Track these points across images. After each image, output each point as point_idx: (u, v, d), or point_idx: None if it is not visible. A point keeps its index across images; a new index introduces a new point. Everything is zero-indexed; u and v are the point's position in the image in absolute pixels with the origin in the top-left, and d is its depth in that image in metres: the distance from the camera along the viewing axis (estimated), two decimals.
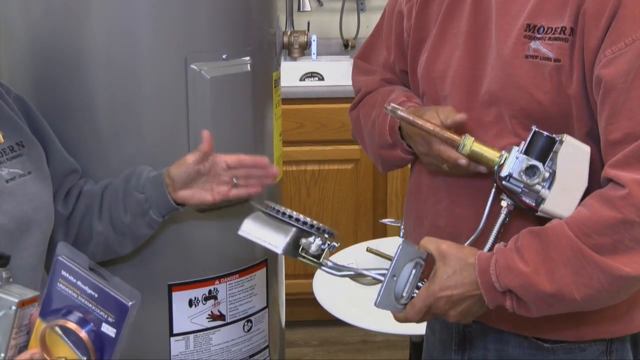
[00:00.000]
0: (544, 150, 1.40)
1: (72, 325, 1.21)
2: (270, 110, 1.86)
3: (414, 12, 1.60)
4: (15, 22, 1.71)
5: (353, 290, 2.34)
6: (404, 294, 1.43)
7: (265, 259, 1.84)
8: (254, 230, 1.43)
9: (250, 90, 1.74)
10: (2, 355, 1.22)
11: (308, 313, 3.31)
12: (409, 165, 1.68)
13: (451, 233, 1.53)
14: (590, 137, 1.42)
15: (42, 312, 1.23)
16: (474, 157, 1.44)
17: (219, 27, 1.71)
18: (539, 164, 1.40)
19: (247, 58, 1.74)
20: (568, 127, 1.43)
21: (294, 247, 1.40)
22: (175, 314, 1.73)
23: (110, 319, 1.20)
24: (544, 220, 1.41)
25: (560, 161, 1.40)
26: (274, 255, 1.85)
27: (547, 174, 1.40)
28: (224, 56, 1.70)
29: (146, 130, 1.68)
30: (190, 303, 1.74)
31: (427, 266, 1.45)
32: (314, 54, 3.94)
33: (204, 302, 1.75)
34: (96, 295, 1.21)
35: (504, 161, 1.42)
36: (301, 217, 1.40)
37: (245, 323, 1.81)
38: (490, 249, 1.44)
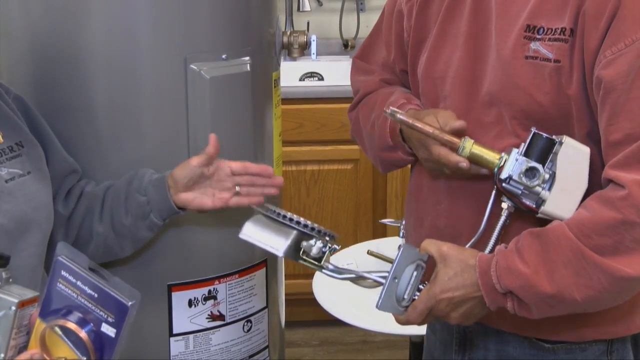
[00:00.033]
0: (543, 152, 1.40)
1: (71, 325, 1.21)
2: (269, 110, 1.86)
3: (414, 12, 1.60)
4: (15, 22, 1.71)
5: (353, 290, 2.34)
6: (406, 296, 1.43)
7: (264, 259, 1.84)
8: (254, 233, 1.43)
9: (249, 90, 1.74)
10: (2, 355, 1.22)
11: (308, 313, 3.31)
12: (409, 166, 1.68)
13: (451, 234, 1.53)
14: (591, 138, 1.42)
15: (42, 312, 1.23)
16: (473, 160, 1.44)
17: (219, 27, 1.71)
18: (539, 166, 1.40)
19: (247, 58, 1.73)
20: (568, 128, 1.43)
21: (294, 250, 1.41)
22: (174, 314, 1.73)
23: (110, 319, 1.20)
24: (544, 221, 1.41)
25: (560, 162, 1.40)
26: (274, 255, 1.84)
27: (547, 176, 1.40)
28: (223, 56, 1.70)
29: (146, 130, 1.68)
30: (190, 303, 1.73)
31: (428, 268, 1.44)
32: (313, 54, 3.94)
33: (204, 302, 1.75)
34: (96, 295, 1.21)
35: (504, 163, 1.42)
36: (302, 220, 1.40)
37: (245, 323, 1.81)
38: (491, 250, 1.44)
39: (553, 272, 1.35)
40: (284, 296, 2.00)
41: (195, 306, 1.74)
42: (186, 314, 1.73)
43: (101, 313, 1.20)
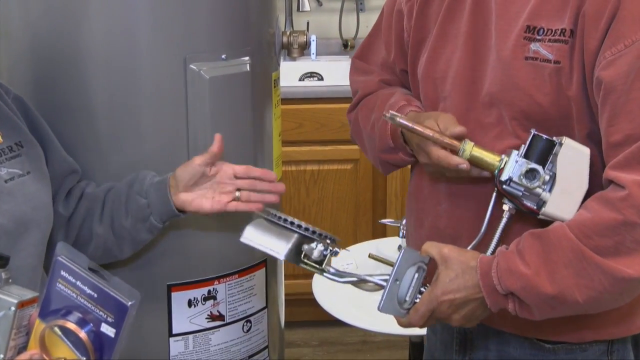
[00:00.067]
0: (543, 153, 1.40)
1: (71, 325, 1.21)
2: (269, 110, 1.86)
3: (414, 12, 1.60)
4: (14, 22, 1.71)
5: (352, 290, 2.33)
6: (407, 298, 1.43)
7: (264, 260, 1.84)
8: (255, 237, 1.43)
9: (249, 90, 1.74)
10: (2, 356, 1.22)
11: (307, 313, 3.31)
12: (409, 166, 1.68)
13: (451, 235, 1.53)
14: (591, 138, 1.42)
15: (42, 312, 1.23)
16: (473, 162, 1.44)
17: (218, 27, 1.70)
18: (539, 167, 1.40)
19: (247, 58, 1.73)
20: (568, 128, 1.43)
21: (296, 254, 1.41)
22: (174, 314, 1.72)
23: (109, 319, 1.20)
24: (545, 223, 1.41)
25: (560, 164, 1.40)
26: (275, 258, 1.84)
27: (547, 177, 1.40)
28: (223, 56, 1.70)
29: (145, 130, 1.68)
30: (190, 303, 1.73)
31: (430, 271, 1.44)
32: (313, 54, 3.94)
33: (203, 303, 1.74)
34: (95, 296, 1.20)
35: (504, 165, 1.42)
36: (303, 223, 1.40)
37: (245, 323, 1.81)
38: (493, 252, 1.44)
39: (554, 273, 1.35)
40: (283, 296, 2.00)
41: (194, 306, 1.74)
42: (186, 314, 1.73)
43: (101, 313, 1.20)
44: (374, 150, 1.66)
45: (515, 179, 1.41)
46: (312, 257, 1.41)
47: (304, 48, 1.96)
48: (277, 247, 1.40)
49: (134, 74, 1.66)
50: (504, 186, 1.42)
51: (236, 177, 1.59)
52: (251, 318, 1.82)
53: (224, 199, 1.58)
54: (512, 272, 1.37)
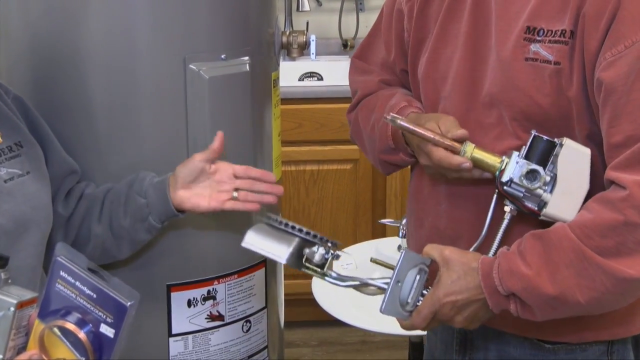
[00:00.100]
0: (544, 154, 1.40)
1: (70, 326, 1.21)
2: (269, 110, 1.85)
3: (415, 12, 1.60)
4: (14, 22, 1.71)
5: (352, 290, 2.34)
6: (409, 300, 1.43)
7: (264, 260, 1.83)
8: (257, 241, 1.43)
9: (249, 90, 1.74)
10: (1, 356, 1.22)
11: (307, 313, 3.31)
12: (409, 166, 1.68)
13: (451, 236, 1.53)
14: (591, 139, 1.42)
15: (41, 312, 1.23)
16: (474, 164, 1.44)
17: (218, 27, 1.70)
18: (540, 168, 1.40)
19: (246, 58, 1.73)
20: (568, 129, 1.43)
21: (297, 258, 1.41)
22: (174, 315, 1.72)
23: (108, 320, 1.20)
24: (546, 224, 1.41)
25: (561, 164, 1.40)
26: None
27: (548, 178, 1.40)
28: (222, 56, 1.69)
29: (145, 130, 1.67)
30: (189, 303, 1.73)
31: (432, 273, 1.44)
32: (312, 53, 3.94)
33: (203, 303, 1.74)
34: (95, 296, 1.20)
35: (505, 166, 1.42)
36: (304, 228, 1.40)
37: (244, 323, 1.81)
38: (495, 253, 1.44)
39: (555, 274, 1.35)
40: (283, 296, 2.00)
41: (194, 306, 1.74)
42: (185, 314, 1.73)
43: (100, 314, 1.20)
44: (374, 150, 1.66)
45: (516, 180, 1.41)
46: (314, 260, 1.41)
47: (304, 48, 1.96)
48: (279, 251, 1.40)
49: (134, 74, 1.66)
50: (505, 187, 1.42)
51: (235, 177, 1.59)
52: (251, 318, 1.82)
53: (221, 197, 1.58)
54: (513, 272, 1.37)
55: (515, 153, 1.42)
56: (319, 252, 1.41)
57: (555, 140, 1.40)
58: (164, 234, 1.68)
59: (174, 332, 1.73)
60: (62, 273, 1.22)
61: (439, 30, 1.55)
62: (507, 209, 1.45)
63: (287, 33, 1.91)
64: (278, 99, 1.91)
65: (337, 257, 1.43)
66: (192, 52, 1.66)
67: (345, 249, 2.56)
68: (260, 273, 1.83)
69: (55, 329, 1.21)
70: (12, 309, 1.21)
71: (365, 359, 3.53)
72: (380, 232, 3.49)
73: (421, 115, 1.55)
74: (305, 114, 3.51)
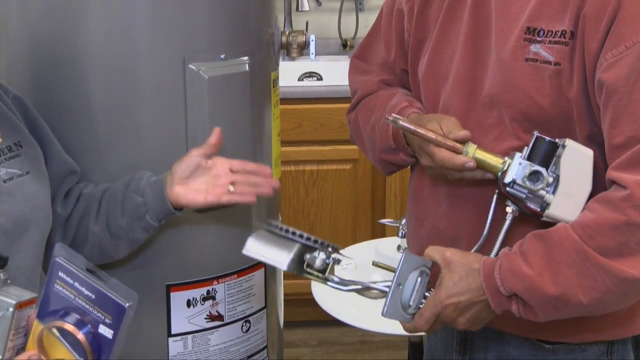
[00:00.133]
0: (546, 155, 1.40)
1: (69, 326, 1.21)
2: (268, 110, 1.85)
3: (415, 12, 1.59)
4: (13, 22, 1.71)
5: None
6: (411, 303, 1.43)
7: None
8: (258, 248, 1.43)
9: (248, 90, 1.74)
10: (0, 357, 1.22)
11: (306, 313, 3.31)
12: (409, 166, 1.68)
13: (451, 236, 1.53)
14: (592, 140, 1.42)
15: (40, 313, 1.23)
16: (476, 164, 1.44)
17: (217, 27, 1.70)
18: (542, 169, 1.40)
19: (246, 58, 1.73)
20: (569, 130, 1.43)
21: (298, 263, 1.41)
22: (173, 315, 1.72)
23: (107, 321, 1.20)
24: (548, 225, 1.41)
25: (564, 165, 1.40)
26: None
27: (550, 179, 1.40)
28: (222, 56, 1.69)
29: (144, 130, 1.67)
30: (189, 303, 1.73)
31: (433, 275, 1.44)
32: (312, 53, 3.94)
33: (202, 303, 1.74)
34: (93, 297, 1.20)
35: (507, 167, 1.42)
36: (304, 233, 1.40)
37: (244, 323, 1.81)
38: (496, 254, 1.44)
39: (557, 274, 1.35)
40: (282, 296, 2.00)
41: (193, 306, 1.74)
42: (185, 314, 1.73)
43: (98, 314, 1.20)
44: (375, 150, 1.66)
45: (518, 181, 1.41)
46: (315, 265, 1.41)
47: (303, 48, 1.96)
48: (279, 257, 1.40)
49: (133, 74, 1.66)
50: (508, 188, 1.42)
51: (232, 172, 1.58)
52: (250, 318, 1.82)
53: (217, 191, 1.57)
54: (515, 273, 1.37)
55: (518, 154, 1.42)
56: (319, 257, 1.40)
57: (558, 141, 1.40)
58: (164, 234, 1.68)
59: (173, 332, 1.73)
60: (60, 274, 1.22)
61: (439, 31, 1.55)
62: (509, 209, 1.44)
63: (287, 33, 1.91)
64: (277, 99, 1.91)
65: (338, 261, 1.43)
66: (191, 52, 1.66)
67: (345, 249, 2.56)
68: (259, 273, 1.83)
69: (54, 330, 1.21)
70: (11, 309, 1.21)
71: (365, 359, 3.52)
72: (380, 232, 3.49)
73: (422, 115, 1.54)
74: (305, 114, 3.51)
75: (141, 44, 1.66)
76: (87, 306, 1.21)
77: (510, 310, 1.40)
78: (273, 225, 1.43)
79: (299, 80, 3.91)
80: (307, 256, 1.41)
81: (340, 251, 1.44)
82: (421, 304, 1.43)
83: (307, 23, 3.85)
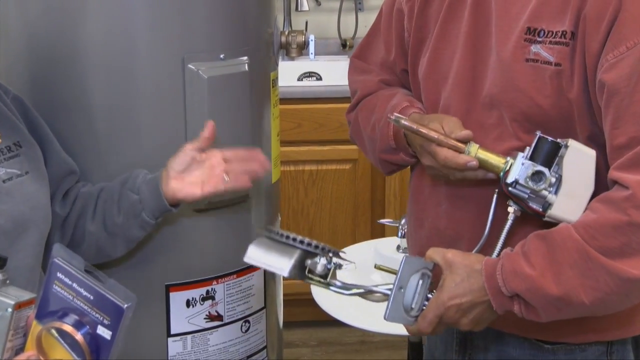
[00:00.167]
0: (549, 156, 1.40)
1: (67, 327, 1.21)
2: (268, 110, 1.85)
3: (415, 11, 1.59)
4: (12, 22, 1.70)
5: None
6: (414, 306, 1.43)
7: None
8: (258, 255, 1.43)
9: (247, 90, 1.74)
10: None
11: (306, 313, 3.30)
12: (409, 166, 1.68)
13: (451, 236, 1.53)
14: (592, 140, 1.42)
15: (38, 314, 1.23)
16: (479, 164, 1.44)
17: (217, 27, 1.70)
18: (545, 170, 1.40)
19: (245, 58, 1.73)
20: (569, 130, 1.43)
21: (300, 269, 1.41)
22: (172, 315, 1.72)
23: (105, 322, 1.20)
24: (550, 224, 1.41)
25: (566, 166, 1.40)
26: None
27: (553, 179, 1.40)
28: (221, 56, 1.69)
29: (143, 130, 1.67)
30: (188, 303, 1.73)
31: (435, 277, 1.44)
32: (311, 53, 3.94)
33: (202, 303, 1.74)
34: (92, 298, 1.20)
35: (510, 167, 1.42)
36: (305, 239, 1.40)
37: (243, 323, 1.81)
38: (498, 254, 1.44)
39: (559, 274, 1.35)
40: (282, 296, 1.99)
41: (193, 306, 1.73)
42: (184, 314, 1.73)
43: (97, 315, 1.20)
44: (375, 150, 1.65)
45: (521, 181, 1.41)
46: (316, 271, 1.41)
47: (303, 48, 1.95)
48: (281, 264, 1.40)
49: (132, 74, 1.66)
50: (510, 188, 1.42)
51: (225, 161, 1.58)
52: (250, 318, 1.82)
53: (213, 181, 1.57)
54: (517, 273, 1.36)
55: (520, 154, 1.42)
56: (320, 262, 1.40)
57: (560, 141, 1.40)
58: (163, 234, 1.68)
59: (172, 332, 1.73)
60: (59, 275, 1.22)
61: (439, 31, 1.55)
62: (510, 209, 1.44)
63: (286, 33, 1.91)
64: (277, 99, 1.91)
65: (340, 266, 1.42)
66: (190, 52, 1.66)
67: (344, 249, 2.55)
68: (259, 273, 1.83)
69: (53, 331, 1.21)
70: (10, 309, 1.21)
71: (365, 359, 3.52)
72: (379, 232, 3.49)
73: (424, 115, 1.54)
74: (304, 114, 3.51)
75: (140, 43, 1.66)
76: (86, 307, 1.21)
77: (513, 311, 1.40)
78: (273, 231, 1.43)
79: (298, 80, 3.91)
80: (309, 262, 1.40)
81: (341, 254, 1.43)
82: (424, 306, 1.43)
83: (306, 23, 3.85)
